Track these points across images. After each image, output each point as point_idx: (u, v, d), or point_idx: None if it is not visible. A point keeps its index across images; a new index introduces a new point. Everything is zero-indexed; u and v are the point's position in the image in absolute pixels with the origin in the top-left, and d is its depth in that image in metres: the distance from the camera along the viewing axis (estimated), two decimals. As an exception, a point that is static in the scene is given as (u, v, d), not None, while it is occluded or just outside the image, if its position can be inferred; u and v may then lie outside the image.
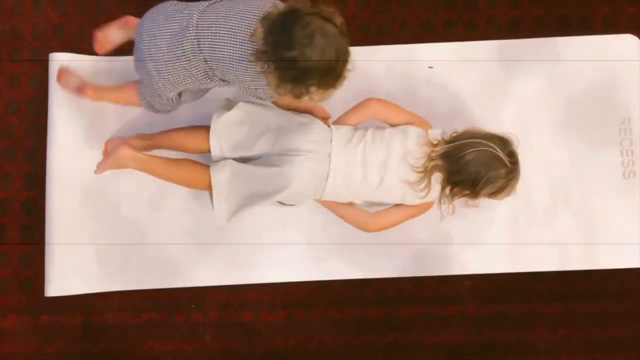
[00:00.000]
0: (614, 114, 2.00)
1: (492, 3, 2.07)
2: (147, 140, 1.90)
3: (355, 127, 1.85)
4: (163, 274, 1.95)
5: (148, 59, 1.71)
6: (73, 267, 1.93)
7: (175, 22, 1.69)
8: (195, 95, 1.88)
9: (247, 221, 1.92)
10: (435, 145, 1.76)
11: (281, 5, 1.61)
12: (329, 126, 1.84)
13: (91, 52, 2.00)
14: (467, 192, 1.76)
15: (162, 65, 1.70)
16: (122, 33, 1.89)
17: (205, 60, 1.68)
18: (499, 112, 2.00)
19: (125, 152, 1.84)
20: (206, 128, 1.86)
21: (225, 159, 1.82)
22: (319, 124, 1.83)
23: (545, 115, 2.00)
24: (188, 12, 1.69)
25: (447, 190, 1.78)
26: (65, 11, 2.06)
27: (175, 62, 1.69)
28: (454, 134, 1.78)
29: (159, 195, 1.95)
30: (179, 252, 1.95)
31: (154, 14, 1.74)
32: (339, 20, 1.57)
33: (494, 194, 1.77)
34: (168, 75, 1.71)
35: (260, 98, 1.77)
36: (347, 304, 1.98)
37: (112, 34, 1.89)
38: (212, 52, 1.65)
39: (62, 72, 1.96)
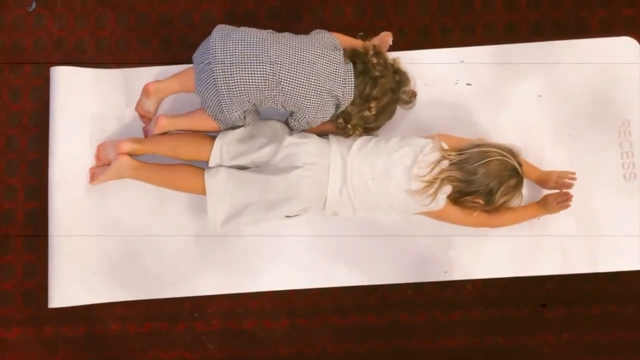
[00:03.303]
0: (613, 116, 1.99)
1: (489, 8, 2.08)
2: (139, 144, 1.90)
3: (355, 138, 1.86)
4: (165, 283, 1.95)
5: (221, 76, 1.75)
6: (76, 278, 1.94)
7: (252, 46, 1.77)
8: (256, 117, 1.91)
9: (248, 229, 1.93)
10: (447, 153, 1.77)
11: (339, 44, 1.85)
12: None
13: (91, 64, 2.03)
14: (480, 201, 1.76)
15: (235, 82, 1.76)
16: (152, 99, 1.94)
17: (281, 86, 1.77)
18: (498, 116, 2.00)
19: (124, 161, 1.86)
20: (199, 137, 1.88)
21: (221, 166, 1.84)
22: (317, 137, 1.85)
23: (545, 119, 2.00)
24: (262, 36, 1.79)
25: (458, 200, 1.79)
26: (66, 25, 2.08)
27: (250, 81, 1.76)
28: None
29: (160, 205, 1.96)
30: (180, 262, 1.96)
31: (227, 34, 1.79)
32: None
33: (504, 204, 1.78)
34: (239, 92, 1.77)
35: (308, 124, 1.85)
36: (349, 310, 1.98)
37: (146, 105, 1.95)
38: (290, 81, 1.76)
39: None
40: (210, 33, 1.83)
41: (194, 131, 1.90)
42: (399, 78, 1.88)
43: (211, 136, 1.89)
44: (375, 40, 1.94)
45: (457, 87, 2.00)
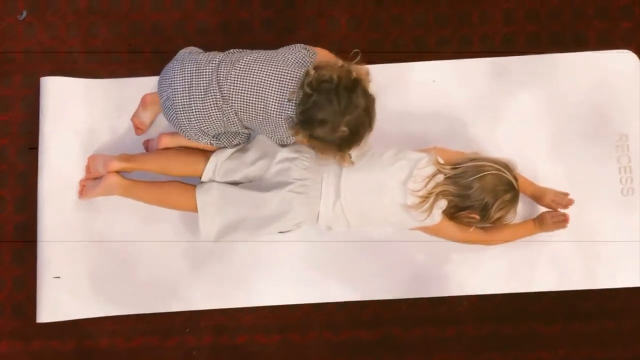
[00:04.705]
0: (610, 130, 1.97)
1: (486, 19, 2.05)
2: (129, 163, 1.88)
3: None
4: (156, 298, 1.93)
5: (181, 110, 1.75)
6: (65, 292, 1.91)
7: (206, 74, 1.73)
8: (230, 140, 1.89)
9: (241, 244, 1.91)
10: (443, 167, 1.75)
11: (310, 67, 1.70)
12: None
13: (82, 75, 2.00)
14: (476, 217, 1.75)
15: (195, 115, 1.75)
16: (149, 111, 1.94)
17: (236, 113, 1.74)
18: (495, 129, 1.98)
19: (114, 179, 1.85)
20: (191, 153, 1.87)
21: (213, 182, 1.82)
22: (310, 151, 1.82)
23: (542, 132, 1.98)
24: (215, 63, 1.74)
25: (453, 215, 1.77)
26: (57, 35, 2.06)
27: (208, 111, 1.74)
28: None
29: (151, 218, 1.93)
30: (172, 276, 1.93)
31: (182, 64, 1.76)
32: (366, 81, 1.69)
33: (500, 219, 1.76)
34: (199, 125, 1.76)
35: (281, 141, 1.81)
36: (342, 326, 1.95)
37: (142, 117, 1.95)
38: (244, 106, 1.72)
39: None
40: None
41: (193, 148, 1.88)
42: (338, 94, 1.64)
43: (203, 151, 1.87)
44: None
45: (453, 100, 1.98)
